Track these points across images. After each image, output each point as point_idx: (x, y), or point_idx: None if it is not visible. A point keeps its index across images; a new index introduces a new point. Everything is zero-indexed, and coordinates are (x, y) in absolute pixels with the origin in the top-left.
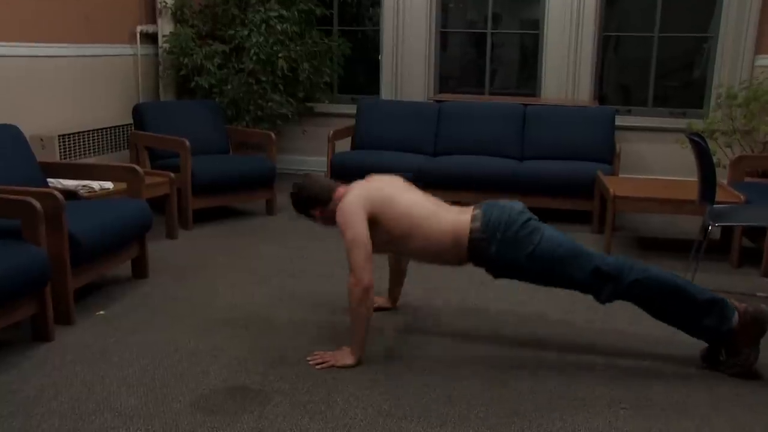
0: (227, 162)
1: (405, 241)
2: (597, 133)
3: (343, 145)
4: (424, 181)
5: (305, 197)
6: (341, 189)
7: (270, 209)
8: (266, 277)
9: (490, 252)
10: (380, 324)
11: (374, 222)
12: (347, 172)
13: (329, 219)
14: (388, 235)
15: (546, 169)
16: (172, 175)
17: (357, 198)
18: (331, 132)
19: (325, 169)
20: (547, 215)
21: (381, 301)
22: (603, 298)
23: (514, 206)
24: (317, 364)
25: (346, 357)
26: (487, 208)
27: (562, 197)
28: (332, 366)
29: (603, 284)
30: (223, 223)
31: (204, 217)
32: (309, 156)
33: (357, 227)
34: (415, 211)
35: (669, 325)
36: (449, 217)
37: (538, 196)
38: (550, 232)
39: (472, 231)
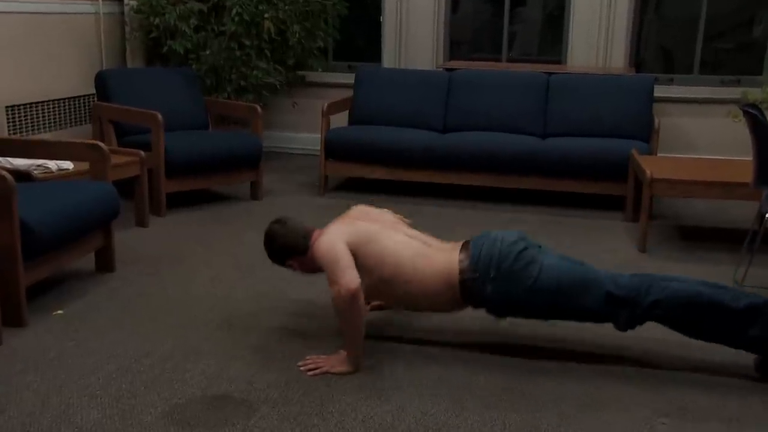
0: (206, 139)
1: (391, 285)
2: (632, 105)
3: (339, 119)
4: (431, 161)
5: (279, 248)
6: (317, 233)
7: (255, 193)
8: (251, 270)
9: (485, 292)
10: (380, 325)
11: (354, 262)
12: (344, 150)
13: (308, 267)
14: (372, 278)
15: (572, 148)
16: (142, 153)
17: (335, 232)
18: (326, 105)
19: (318, 147)
20: (572, 201)
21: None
22: (621, 325)
23: (506, 237)
24: (310, 370)
25: (342, 362)
26: (475, 243)
27: (590, 180)
28: (326, 372)
29: (618, 311)
30: (201, 208)
31: (179, 201)
32: (300, 132)
33: (336, 249)
34: (403, 250)
35: (709, 343)
36: (441, 258)
37: (563, 179)
38: (551, 260)
39: (461, 271)
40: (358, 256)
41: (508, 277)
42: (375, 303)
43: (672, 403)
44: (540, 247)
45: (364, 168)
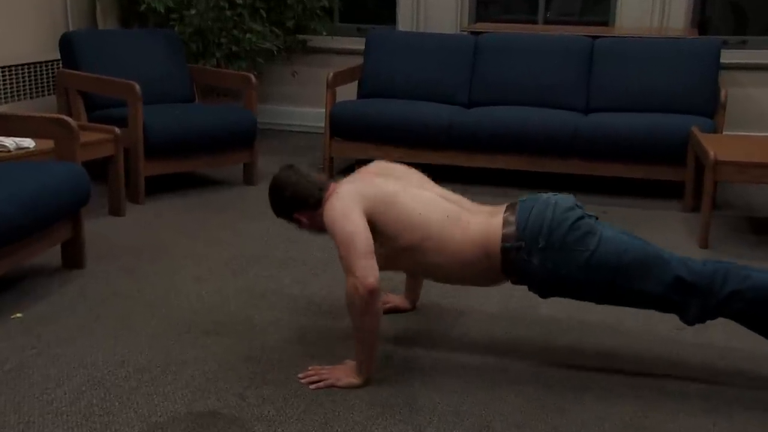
0: (191, 113)
1: (416, 254)
2: (694, 74)
3: (347, 91)
4: (453, 140)
5: (288, 198)
6: (333, 186)
7: (249, 177)
8: (243, 267)
9: (531, 265)
10: (394, 331)
11: (372, 228)
12: (351, 127)
13: (319, 224)
14: (393, 247)
15: (620, 125)
16: (117, 130)
17: (348, 193)
18: (331, 74)
19: (322, 124)
20: (620, 189)
21: (396, 300)
22: (691, 318)
23: (561, 201)
24: (312, 382)
25: (350, 375)
26: (523, 207)
27: (641, 164)
28: (332, 386)
29: (688, 300)
30: (186, 194)
31: (161, 186)
32: (301, 106)
33: (351, 220)
34: (431, 213)
35: None
36: (477, 222)
37: (609, 161)
38: (611, 232)
39: (504, 238)
40: (376, 222)
41: (559, 249)
42: (389, 304)
43: (739, 430)
44: (596, 218)
45: (376, 149)
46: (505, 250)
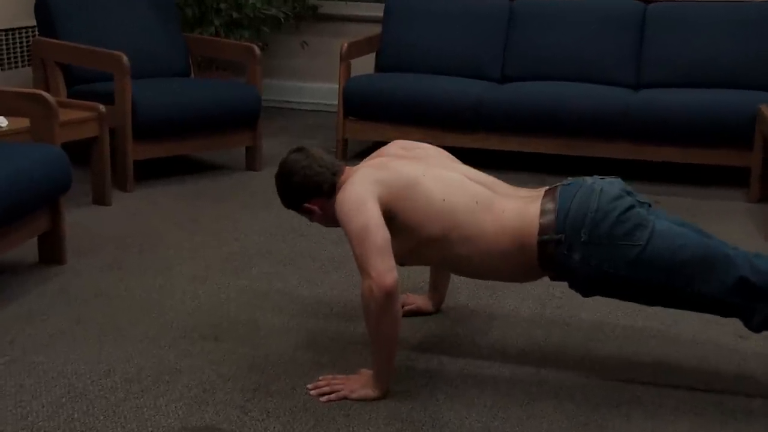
0: (187, 89)
1: (442, 247)
2: (763, 43)
3: (363, 64)
4: (484, 120)
5: (298, 185)
6: (348, 171)
7: (252, 161)
8: (245, 264)
9: (572, 261)
10: (416, 337)
11: (391, 217)
12: (368, 105)
13: (332, 216)
14: (415, 239)
15: (676, 103)
16: (102, 107)
17: (363, 179)
18: (345, 45)
19: (335, 102)
20: (677, 176)
21: (418, 302)
22: (756, 325)
23: (607, 188)
24: (323, 394)
25: (365, 386)
26: (564, 194)
27: (701, 147)
28: (345, 398)
29: (753, 305)
30: (180, 181)
31: (152, 172)
32: (311, 81)
33: (365, 211)
34: (458, 198)
35: None
36: (511, 208)
37: (663, 145)
38: (665, 224)
39: (542, 230)
40: (396, 211)
41: (605, 243)
42: (410, 306)
43: None
44: (650, 205)
45: (395, 130)
46: (542, 244)
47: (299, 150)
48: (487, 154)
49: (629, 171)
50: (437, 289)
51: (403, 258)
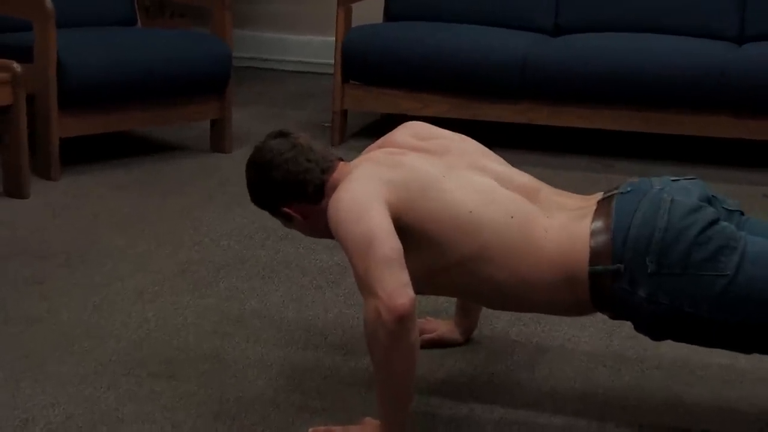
0: (132, 43)
1: (464, 273)
2: None
3: (367, 11)
4: (530, 85)
5: (276, 182)
6: (343, 167)
7: (218, 140)
8: (210, 276)
9: (635, 298)
10: (438, 375)
11: (401, 232)
12: (374, 66)
13: (318, 225)
14: (431, 261)
15: None
16: (17, 67)
17: (365, 177)
18: None
19: (330, 60)
20: None
21: (441, 329)
22: None
23: (680, 196)
24: None
25: None
26: (622, 206)
27: None
28: None
29: None
30: (123, 167)
31: (84, 154)
32: (298, 33)
33: (369, 217)
34: (488, 211)
35: None
36: (556, 226)
37: None
38: (761, 242)
39: (593, 257)
40: (406, 224)
41: (679, 273)
42: (431, 334)
43: None
44: (742, 214)
45: (410, 98)
46: (594, 276)
47: (282, 135)
48: (534, 132)
49: (733, 155)
50: (467, 311)
51: (415, 286)
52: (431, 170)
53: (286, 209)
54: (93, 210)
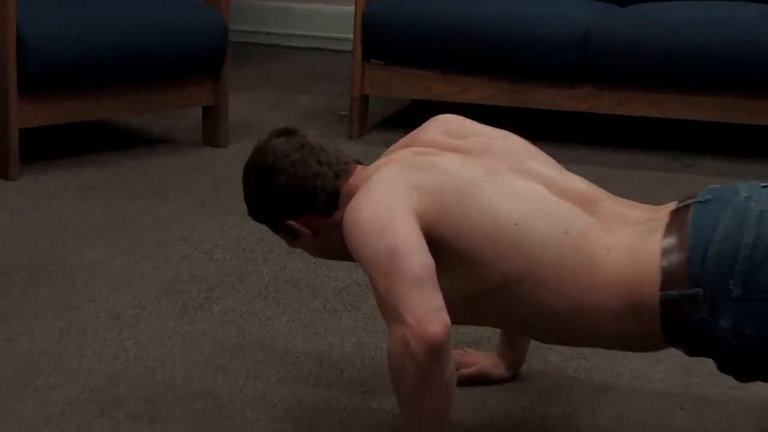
0: (109, 14)
1: (509, 299)
2: None
3: None
4: (591, 65)
5: (281, 190)
6: (362, 171)
7: (212, 132)
8: (200, 298)
9: (716, 329)
10: (479, 419)
11: (433, 248)
12: (401, 41)
13: (329, 242)
14: (469, 283)
15: None
16: None
17: (391, 182)
18: None
19: (347, 35)
20: None
21: (482, 362)
22: None
23: None
24: None
25: None
26: (700, 218)
27: None
28: None
29: None
30: (96, 164)
31: (49, 149)
32: (309, 1)
33: (395, 232)
34: (537, 224)
35: None
36: (620, 244)
37: None
38: None
39: (666, 280)
40: (441, 239)
41: None
42: (471, 368)
43: None
44: None
45: (444, 81)
46: (667, 303)
47: (288, 133)
48: (596, 122)
49: None
50: (513, 341)
51: (461, 313)
52: (468, 174)
53: (291, 223)
54: (59, 216)
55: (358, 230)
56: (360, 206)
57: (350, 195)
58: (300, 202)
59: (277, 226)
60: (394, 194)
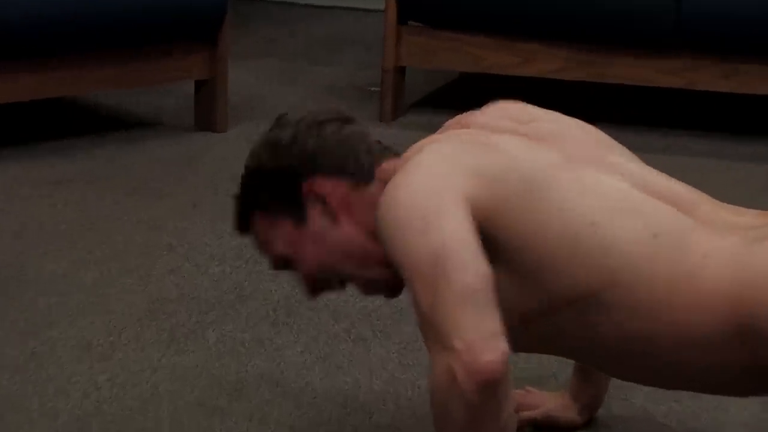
0: None
1: (583, 317)
2: None
3: None
4: (686, 33)
5: (302, 148)
6: (394, 165)
7: (206, 111)
8: (192, 322)
9: None
10: None
11: (489, 245)
12: (442, 2)
13: (353, 230)
14: (535, 294)
15: None
16: None
17: (441, 162)
18: None
19: (382, 7)
20: None
21: (548, 404)
22: None
23: None
24: None
25: None
26: None
27: None
28: None
29: None
30: (66, 151)
31: (9, 132)
32: None
33: (443, 226)
34: (622, 226)
35: None
36: (721, 253)
37: None
38: None
39: None
40: (499, 239)
41: None
42: (534, 411)
43: None
44: None
45: (501, 49)
46: None
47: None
48: (692, 100)
49: None
50: (588, 376)
51: (524, 340)
52: (539, 162)
53: (314, 184)
54: (19, 217)
55: (397, 223)
56: (399, 190)
57: (386, 180)
58: (327, 162)
59: (283, 199)
60: (443, 177)
